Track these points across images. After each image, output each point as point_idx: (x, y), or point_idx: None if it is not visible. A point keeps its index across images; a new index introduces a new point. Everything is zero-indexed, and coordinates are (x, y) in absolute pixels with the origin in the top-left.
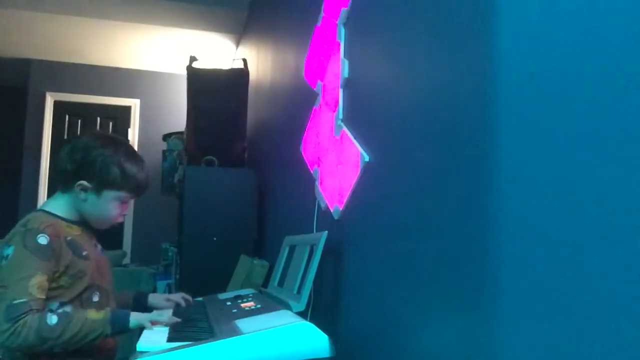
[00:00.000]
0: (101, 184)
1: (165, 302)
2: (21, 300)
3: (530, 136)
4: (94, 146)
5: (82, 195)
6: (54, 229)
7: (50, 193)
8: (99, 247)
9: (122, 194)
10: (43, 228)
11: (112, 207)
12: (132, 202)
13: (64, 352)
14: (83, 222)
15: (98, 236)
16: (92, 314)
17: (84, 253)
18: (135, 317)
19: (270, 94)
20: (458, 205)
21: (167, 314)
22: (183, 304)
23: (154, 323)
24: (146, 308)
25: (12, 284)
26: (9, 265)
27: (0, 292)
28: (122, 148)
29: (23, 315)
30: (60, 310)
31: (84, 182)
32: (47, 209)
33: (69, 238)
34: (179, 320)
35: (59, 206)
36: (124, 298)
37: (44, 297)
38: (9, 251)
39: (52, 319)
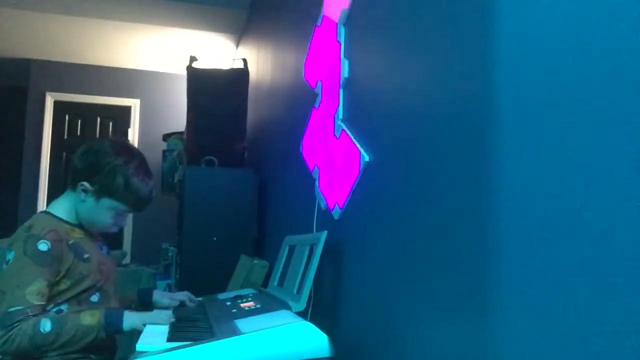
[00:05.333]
0: (102, 191)
1: (169, 301)
2: (17, 308)
3: (531, 136)
4: (107, 152)
5: (82, 195)
6: (55, 234)
7: (51, 193)
8: (105, 248)
9: (120, 205)
10: (44, 234)
11: (107, 216)
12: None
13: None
14: None
15: (103, 237)
16: (86, 319)
17: (86, 256)
18: (129, 320)
19: (270, 94)
20: (458, 205)
21: (166, 316)
22: (189, 303)
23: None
24: (150, 304)
25: (9, 291)
26: (9, 272)
27: None
28: (134, 161)
29: (17, 323)
30: (54, 310)
31: (86, 184)
32: (52, 211)
33: (71, 241)
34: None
35: (64, 208)
36: (129, 296)
37: (43, 302)
38: (10, 256)
39: (46, 326)
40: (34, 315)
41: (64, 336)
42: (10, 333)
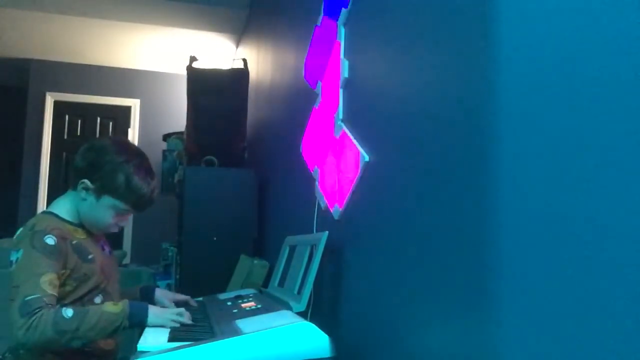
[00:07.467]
0: (103, 188)
1: (171, 304)
2: (34, 296)
3: (531, 136)
4: (109, 151)
5: (83, 194)
6: (60, 232)
7: (51, 193)
8: (107, 248)
9: (121, 204)
10: (49, 230)
11: (107, 214)
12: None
13: (66, 352)
14: None
15: (105, 236)
16: (109, 307)
17: (90, 256)
18: (155, 314)
19: (270, 94)
20: (458, 205)
21: (187, 315)
22: (193, 303)
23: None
24: (152, 303)
25: (23, 283)
26: (19, 266)
27: (13, 293)
28: (136, 159)
29: (37, 310)
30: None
31: (87, 182)
32: (54, 210)
33: (74, 242)
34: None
35: (66, 208)
36: (131, 293)
37: (55, 293)
38: (18, 254)
39: (68, 312)
40: (50, 305)
41: (88, 322)
42: (33, 319)
